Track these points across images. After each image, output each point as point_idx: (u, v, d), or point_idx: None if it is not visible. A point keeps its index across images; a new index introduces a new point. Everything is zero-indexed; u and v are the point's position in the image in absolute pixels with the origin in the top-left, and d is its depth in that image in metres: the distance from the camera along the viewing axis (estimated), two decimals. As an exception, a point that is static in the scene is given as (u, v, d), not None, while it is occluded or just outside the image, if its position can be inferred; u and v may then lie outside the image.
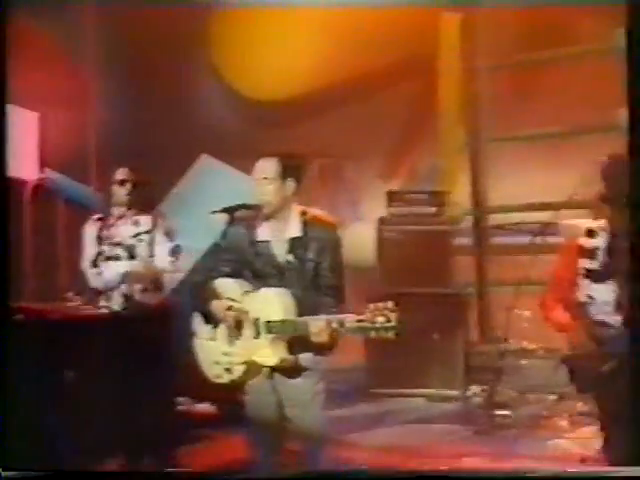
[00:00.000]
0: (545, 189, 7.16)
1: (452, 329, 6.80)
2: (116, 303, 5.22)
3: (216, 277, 4.02)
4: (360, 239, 7.92)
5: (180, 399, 6.03)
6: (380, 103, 8.04)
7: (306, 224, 4.05)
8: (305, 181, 8.18)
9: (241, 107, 8.24)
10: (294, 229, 4.04)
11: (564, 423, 5.83)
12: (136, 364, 5.01)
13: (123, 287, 5.19)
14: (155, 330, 5.12)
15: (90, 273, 5.29)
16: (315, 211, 4.17)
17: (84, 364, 5.32)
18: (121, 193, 5.22)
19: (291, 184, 4.05)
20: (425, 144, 8.37)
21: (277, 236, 4.04)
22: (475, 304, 7.56)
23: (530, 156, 7.63)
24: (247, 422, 4.08)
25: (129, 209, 5.25)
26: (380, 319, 3.68)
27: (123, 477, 4.34)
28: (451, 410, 6.49)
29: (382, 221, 7.14)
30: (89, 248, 5.34)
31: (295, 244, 4.02)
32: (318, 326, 3.78)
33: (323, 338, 3.78)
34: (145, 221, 5.24)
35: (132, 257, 5.21)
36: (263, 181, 4.02)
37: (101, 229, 5.29)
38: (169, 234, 5.29)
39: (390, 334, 3.68)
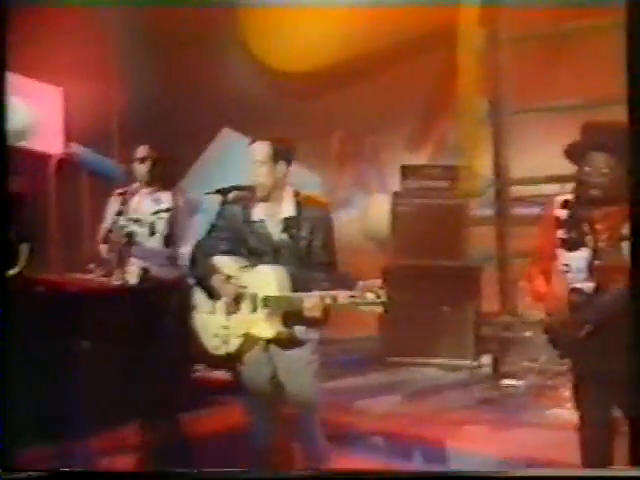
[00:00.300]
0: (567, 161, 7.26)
1: (464, 301, 7.02)
2: (133, 277, 5.47)
3: (215, 254, 4.27)
4: (382, 211, 8.12)
5: (197, 366, 6.29)
6: (405, 75, 8.21)
7: (299, 204, 4.27)
8: (324, 153, 8.41)
9: (267, 79, 8.43)
10: (288, 209, 4.26)
11: (568, 393, 6.01)
12: (151, 334, 5.26)
13: (140, 262, 5.43)
14: (170, 302, 5.34)
15: (103, 246, 5.55)
16: (307, 192, 4.38)
17: (100, 334, 5.64)
18: (142, 170, 5.39)
19: (282, 166, 4.27)
20: (452, 116, 8.53)
21: (271, 216, 4.26)
22: (493, 276, 7.74)
23: (552, 128, 7.74)
24: (244, 390, 4.35)
25: (150, 186, 5.43)
26: (370, 295, 3.91)
27: (124, 477, 4.42)
28: (460, 379, 6.71)
29: (396, 195, 7.35)
30: (108, 222, 5.60)
31: (289, 223, 4.24)
32: (312, 302, 4.02)
33: (316, 313, 4.02)
34: (166, 198, 5.37)
35: (152, 234, 5.43)
36: (256, 164, 4.24)
37: (122, 204, 5.52)
38: (190, 212, 5.48)
39: (379, 309, 3.91)
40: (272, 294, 4.12)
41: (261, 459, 4.35)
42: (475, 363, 6.86)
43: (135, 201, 5.46)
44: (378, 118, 8.45)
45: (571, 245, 4.32)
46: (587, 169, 4.29)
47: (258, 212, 4.27)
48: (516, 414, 5.88)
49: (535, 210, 7.26)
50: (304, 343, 4.25)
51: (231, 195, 4.31)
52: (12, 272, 6.03)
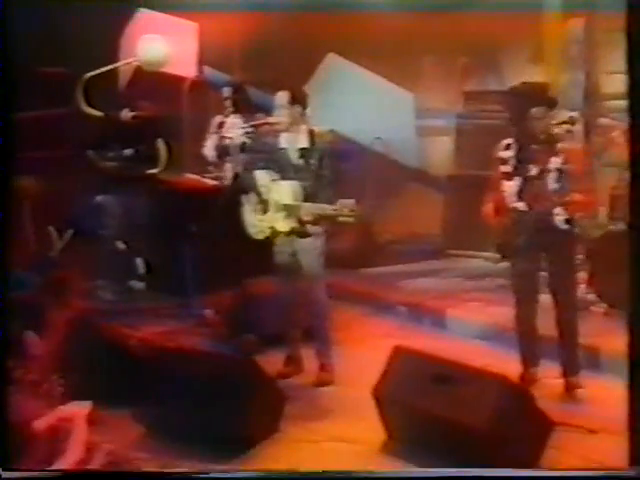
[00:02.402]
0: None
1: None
2: (227, 179, 7.96)
3: (254, 169, 6.59)
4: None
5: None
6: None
7: (312, 138, 6.44)
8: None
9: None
10: (303, 142, 6.46)
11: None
12: (235, 220, 7.57)
13: (232, 168, 7.86)
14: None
15: (209, 155, 8.07)
16: (318, 128, 6.55)
17: (203, 219, 8.12)
18: (227, 105, 7.98)
19: (299, 109, 6.45)
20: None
21: (291, 145, 6.48)
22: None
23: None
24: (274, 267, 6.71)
25: (237, 114, 7.87)
26: (345, 210, 6.03)
27: (124, 477, 5.03)
28: (492, 269, 8.69)
29: (459, 116, 9.37)
30: (211, 137, 8.10)
31: (303, 152, 6.43)
32: (307, 212, 6.28)
33: (310, 218, 6.29)
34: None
35: (242, 150, 7.68)
36: (279, 107, 6.44)
37: (221, 124, 8.02)
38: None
39: (351, 220, 6.05)
40: (288, 202, 6.39)
41: (287, 316, 6.74)
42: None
43: (229, 123, 7.92)
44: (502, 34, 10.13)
45: (508, 176, 6.39)
46: (533, 120, 6.30)
47: (282, 142, 6.51)
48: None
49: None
50: (312, 235, 6.47)
51: (263, 128, 6.60)
52: (153, 171, 8.65)
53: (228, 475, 5.01)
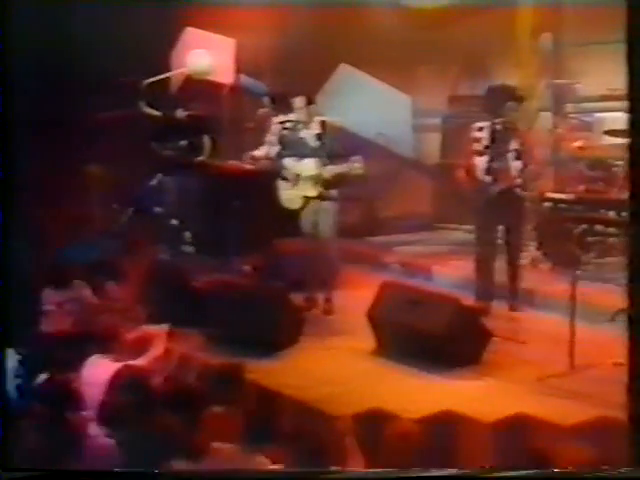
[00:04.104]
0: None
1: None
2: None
3: (284, 157, 9.05)
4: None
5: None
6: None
7: (324, 126, 8.89)
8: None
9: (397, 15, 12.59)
10: (317, 129, 8.91)
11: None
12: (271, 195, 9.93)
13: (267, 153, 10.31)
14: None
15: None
16: (328, 119, 8.98)
17: (243, 196, 10.52)
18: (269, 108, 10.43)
19: (313, 108, 8.94)
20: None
21: (309, 133, 8.93)
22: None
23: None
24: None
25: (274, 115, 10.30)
26: (353, 166, 8.56)
27: (123, 477, 5.28)
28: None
29: (445, 117, 11.75)
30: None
31: (318, 137, 8.86)
32: (328, 172, 8.75)
33: (330, 178, 8.76)
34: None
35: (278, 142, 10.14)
36: (297, 107, 8.90)
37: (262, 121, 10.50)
38: None
39: (360, 172, 8.59)
40: (312, 174, 8.86)
41: (308, 269, 9.19)
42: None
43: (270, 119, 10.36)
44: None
45: (478, 153, 8.79)
46: (509, 111, 8.69)
47: (302, 133, 8.97)
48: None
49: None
50: (331, 198, 8.94)
51: (287, 123, 9.05)
52: (200, 159, 11.09)
53: (230, 475, 5.45)
